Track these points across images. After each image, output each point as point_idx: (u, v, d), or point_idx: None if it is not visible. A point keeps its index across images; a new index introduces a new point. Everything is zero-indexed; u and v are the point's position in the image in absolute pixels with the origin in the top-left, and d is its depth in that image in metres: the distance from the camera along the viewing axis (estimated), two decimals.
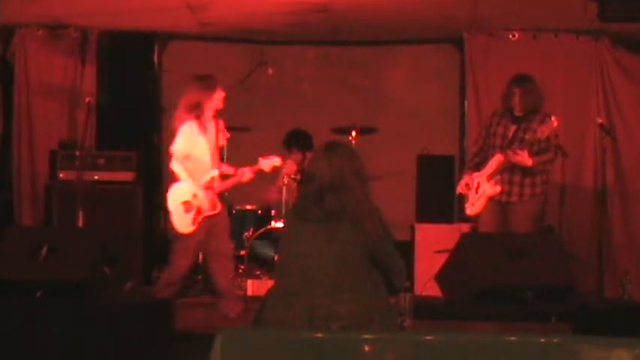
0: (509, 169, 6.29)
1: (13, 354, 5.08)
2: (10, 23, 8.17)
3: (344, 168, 3.85)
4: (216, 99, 6.18)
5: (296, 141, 7.90)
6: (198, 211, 6.10)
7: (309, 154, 7.77)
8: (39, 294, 5.33)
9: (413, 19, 8.02)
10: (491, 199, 6.36)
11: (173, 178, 6.25)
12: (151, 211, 8.32)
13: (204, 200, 6.11)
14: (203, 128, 6.15)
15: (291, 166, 7.81)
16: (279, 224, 7.22)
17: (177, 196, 6.14)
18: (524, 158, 6.17)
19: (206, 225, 6.11)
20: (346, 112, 8.27)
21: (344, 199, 3.79)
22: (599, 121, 7.48)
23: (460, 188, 6.59)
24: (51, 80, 8.33)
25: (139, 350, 5.26)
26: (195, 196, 6.10)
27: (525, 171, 6.27)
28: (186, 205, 6.09)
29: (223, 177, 6.34)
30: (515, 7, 7.64)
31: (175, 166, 6.15)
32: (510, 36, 8.26)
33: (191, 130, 6.11)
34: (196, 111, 6.13)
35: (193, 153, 6.14)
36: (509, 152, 6.22)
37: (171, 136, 6.25)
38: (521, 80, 6.39)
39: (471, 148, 7.23)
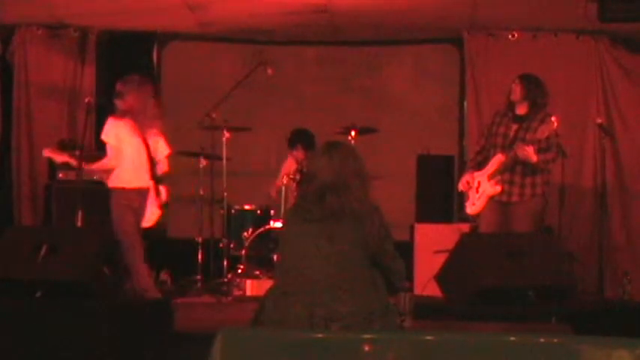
0: (510, 169, 6.29)
1: (14, 354, 5.08)
2: (10, 23, 8.17)
3: (345, 168, 3.85)
4: None
5: (300, 139, 7.89)
6: None
7: (311, 153, 7.77)
8: (38, 294, 5.32)
9: (413, 19, 8.02)
10: (491, 198, 6.36)
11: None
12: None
13: None
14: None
15: (290, 166, 7.80)
16: (278, 224, 7.21)
17: None
18: (531, 154, 6.16)
19: None
20: (346, 112, 8.27)
21: (344, 199, 3.79)
22: (599, 121, 7.48)
23: (461, 186, 6.59)
24: (50, 80, 8.33)
25: (139, 350, 5.26)
26: None
27: (526, 171, 6.27)
28: None
29: None
30: (515, 7, 7.64)
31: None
32: (510, 36, 8.27)
33: None
34: None
35: None
36: (516, 145, 6.20)
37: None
38: (525, 75, 6.42)
39: (472, 147, 7.24)
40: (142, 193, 6.32)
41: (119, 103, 6.34)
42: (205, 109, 7.53)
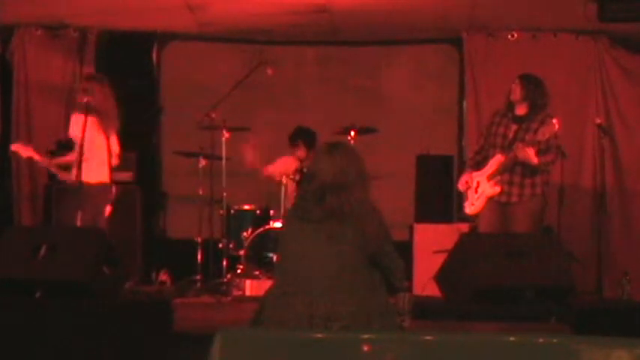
0: (510, 169, 6.28)
1: (13, 354, 5.08)
2: (10, 23, 8.17)
3: (346, 168, 3.85)
4: None
5: (301, 136, 7.90)
6: None
7: (312, 151, 7.78)
8: (38, 294, 5.33)
9: (412, 19, 8.02)
10: (491, 199, 6.36)
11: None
12: (149, 211, 8.32)
13: None
14: None
15: (290, 165, 7.80)
16: (278, 224, 7.22)
17: None
18: (531, 155, 6.16)
19: None
20: (346, 112, 8.27)
21: (344, 200, 3.79)
22: (598, 121, 7.48)
23: (460, 185, 6.59)
24: (50, 80, 8.33)
25: (139, 350, 5.26)
26: None
27: (525, 171, 6.27)
28: None
29: None
30: (515, 7, 7.64)
31: None
32: (509, 36, 8.26)
33: None
34: None
35: None
36: (516, 146, 6.20)
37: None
38: (525, 75, 6.42)
39: (471, 147, 7.23)
40: (101, 189, 6.50)
41: (83, 100, 6.53)
42: (205, 109, 7.53)
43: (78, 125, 6.46)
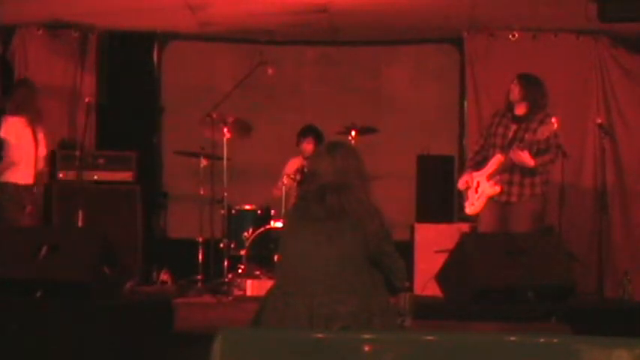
0: (509, 169, 6.29)
1: (13, 354, 5.08)
2: (10, 23, 8.17)
3: (346, 168, 3.85)
4: None
5: (313, 132, 7.89)
6: None
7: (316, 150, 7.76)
8: (38, 294, 5.33)
9: (413, 19, 8.02)
10: (490, 198, 6.36)
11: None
12: (150, 211, 8.32)
13: None
14: None
15: (292, 166, 7.80)
16: (279, 224, 7.22)
17: None
18: (526, 159, 6.16)
19: None
20: (346, 112, 8.27)
21: (345, 199, 3.79)
22: (598, 121, 7.48)
23: (460, 185, 6.60)
24: (51, 80, 8.32)
25: (139, 350, 5.27)
26: None
27: (525, 171, 6.27)
28: None
29: None
30: (515, 7, 7.64)
31: None
32: (510, 36, 8.26)
33: None
34: None
35: None
36: (511, 151, 6.22)
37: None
38: (524, 75, 6.42)
39: (472, 147, 7.23)
40: (28, 189, 6.73)
41: (12, 101, 6.83)
42: (205, 108, 7.53)
43: (7, 127, 6.68)
